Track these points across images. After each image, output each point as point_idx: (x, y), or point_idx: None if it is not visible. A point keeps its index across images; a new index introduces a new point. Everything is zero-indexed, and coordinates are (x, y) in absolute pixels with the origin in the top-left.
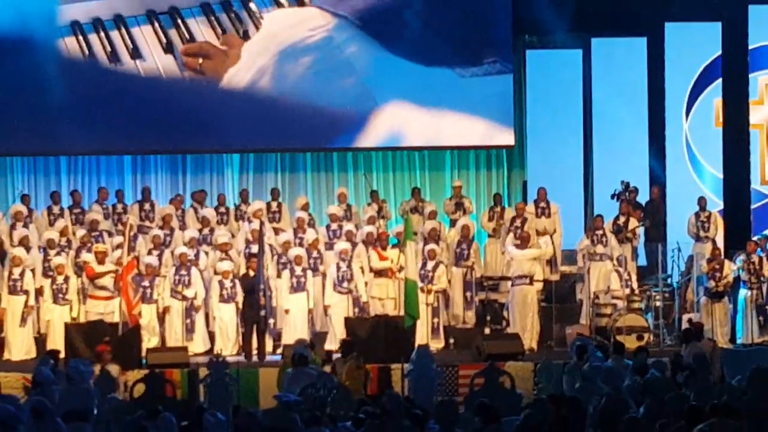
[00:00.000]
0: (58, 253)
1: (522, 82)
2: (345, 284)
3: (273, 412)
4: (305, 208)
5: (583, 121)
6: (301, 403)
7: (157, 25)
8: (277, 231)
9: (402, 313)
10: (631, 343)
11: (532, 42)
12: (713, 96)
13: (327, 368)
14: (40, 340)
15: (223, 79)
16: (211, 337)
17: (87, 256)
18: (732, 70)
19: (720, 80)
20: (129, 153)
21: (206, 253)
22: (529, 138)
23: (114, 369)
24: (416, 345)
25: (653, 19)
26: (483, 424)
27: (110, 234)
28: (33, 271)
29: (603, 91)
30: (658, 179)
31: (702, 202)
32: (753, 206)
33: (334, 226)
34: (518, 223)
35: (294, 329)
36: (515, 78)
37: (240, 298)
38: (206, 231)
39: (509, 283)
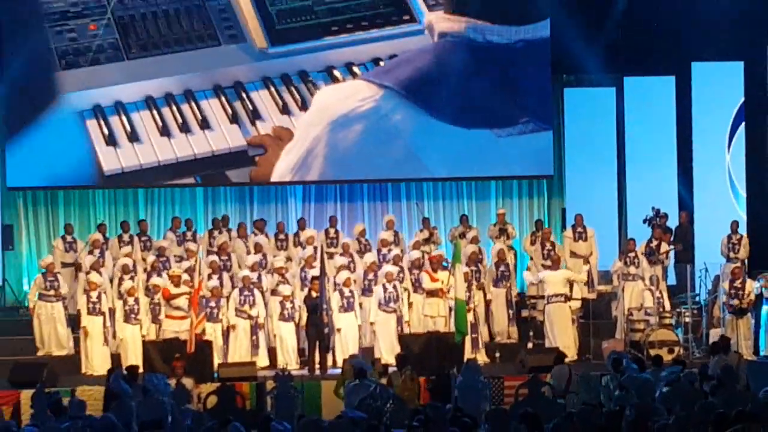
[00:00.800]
0: (130, 278)
1: (561, 117)
2: (391, 304)
3: (337, 424)
4: (362, 234)
5: (617, 153)
6: (364, 419)
7: (223, 98)
8: (332, 256)
9: (452, 329)
10: (662, 355)
11: (569, 81)
12: None
13: (383, 380)
14: (117, 357)
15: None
16: (271, 353)
17: (157, 280)
18: (753, 104)
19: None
20: (201, 185)
21: (266, 277)
22: (568, 168)
23: (188, 382)
24: (465, 359)
25: (681, 59)
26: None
27: (181, 259)
28: (106, 293)
29: (635, 125)
30: (686, 205)
31: (734, 225)
32: None
33: (384, 250)
34: (549, 246)
35: (345, 346)
36: (555, 112)
37: (298, 317)
38: (260, 256)
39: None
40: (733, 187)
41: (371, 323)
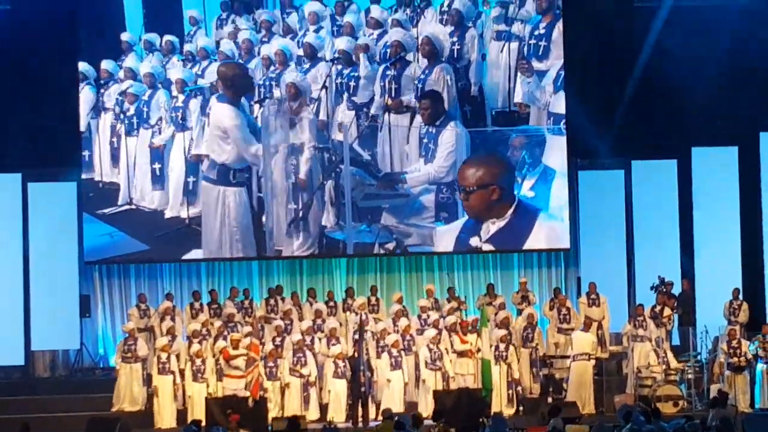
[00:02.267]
0: (199, 341)
1: (576, 196)
2: (437, 362)
3: None
4: (400, 301)
5: (626, 228)
6: None
7: None
8: (376, 320)
9: (480, 386)
10: (668, 408)
11: (583, 164)
12: None
13: None
14: (183, 412)
15: None
16: (322, 407)
17: (221, 343)
18: (747, 184)
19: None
20: (256, 259)
21: (319, 339)
22: (582, 242)
23: None
24: (492, 412)
25: (682, 144)
26: None
27: (241, 324)
28: (177, 356)
29: (642, 203)
30: (687, 274)
31: (735, 292)
32: None
33: (423, 315)
34: (564, 311)
35: (393, 400)
36: (570, 193)
37: (349, 375)
38: (319, 321)
39: (566, 360)
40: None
41: (422, 381)
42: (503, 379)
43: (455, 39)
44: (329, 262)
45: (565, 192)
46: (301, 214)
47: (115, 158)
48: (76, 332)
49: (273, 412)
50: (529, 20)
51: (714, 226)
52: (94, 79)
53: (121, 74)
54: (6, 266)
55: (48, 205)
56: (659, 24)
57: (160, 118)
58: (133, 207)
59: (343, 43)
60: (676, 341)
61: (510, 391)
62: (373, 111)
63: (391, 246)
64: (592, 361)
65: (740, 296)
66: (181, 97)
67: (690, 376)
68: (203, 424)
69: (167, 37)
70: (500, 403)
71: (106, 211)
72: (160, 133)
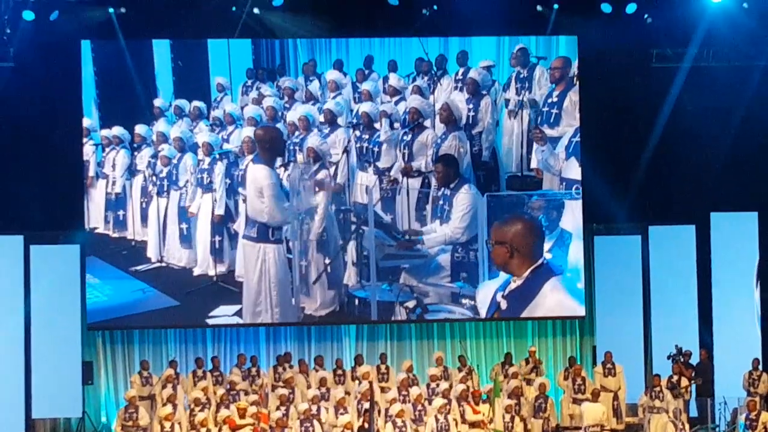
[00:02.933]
0: (201, 410)
1: (591, 262)
2: None
3: None
4: (410, 369)
5: (642, 295)
6: None
7: None
8: (384, 389)
9: None
10: None
11: (599, 229)
12: None
13: None
14: None
15: None
16: None
17: (225, 412)
18: (766, 253)
19: None
20: (263, 325)
21: (326, 409)
22: (598, 309)
23: None
24: None
25: (700, 210)
26: None
27: (246, 393)
28: (180, 424)
29: (659, 270)
30: (705, 344)
31: (755, 362)
32: None
33: (432, 384)
34: (579, 381)
35: None
36: (585, 258)
37: None
38: (323, 389)
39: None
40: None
41: None
42: None
43: (471, 106)
44: (338, 329)
45: (581, 255)
46: (326, 272)
47: (144, 218)
48: (79, 399)
49: None
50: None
51: (733, 293)
52: (129, 143)
53: (153, 137)
54: (7, 330)
55: (50, 268)
56: (677, 85)
57: (188, 181)
58: (164, 264)
59: (367, 107)
60: (693, 413)
61: None
62: (392, 174)
63: (411, 304)
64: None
65: (760, 366)
66: (207, 160)
67: None
68: None
69: (195, 103)
70: None
71: (138, 268)
72: (187, 194)
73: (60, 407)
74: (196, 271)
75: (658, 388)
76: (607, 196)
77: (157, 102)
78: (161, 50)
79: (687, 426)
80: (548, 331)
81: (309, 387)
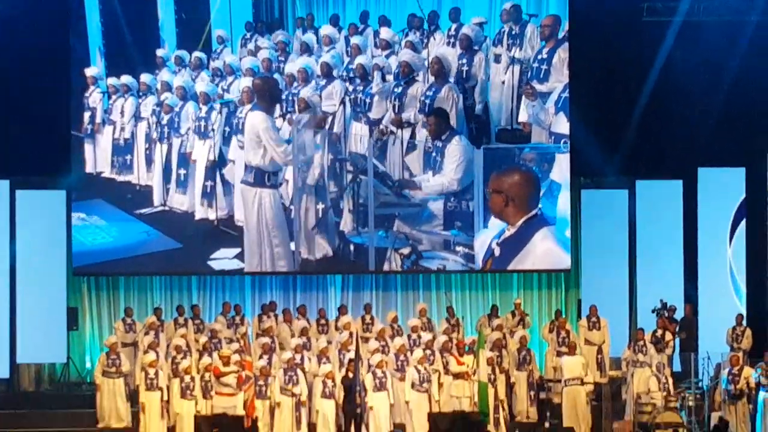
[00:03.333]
0: (183, 357)
1: (578, 215)
2: (424, 384)
3: None
4: (395, 320)
5: (628, 249)
6: None
7: None
8: (368, 340)
9: (476, 409)
10: None
11: (586, 183)
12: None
13: None
14: (171, 429)
15: None
16: (311, 428)
17: (208, 360)
18: (754, 206)
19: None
20: (248, 274)
21: (309, 359)
22: (583, 263)
23: None
24: None
25: (688, 165)
26: None
27: (230, 341)
28: (162, 371)
29: (645, 224)
30: (690, 299)
31: (739, 318)
32: None
33: (414, 336)
34: (564, 334)
35: (377, 423)
36: (572, 211)
37: (339, 395)
38: (304, 339)
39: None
40: (734, 281)
41: (406, 402)
42: (491, 402)
43: (464, 61)
44: (324, 279)
45: (569, 206)
46: (324, 217)
47: (149, 163)
48: (63, 345)
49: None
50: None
51: (719, 249)
52: (136, 91)
53: (158, 86)
54: None
55: (36, 213)
56: (668, 40)
57: (189, 128)
58: (167, 208)
59: (362, 59)
60: (677, 367)
61: (497, 415)
62: (383, 126)
63: (406, 251)
64: (587, 386)
65: (744, 322)
66: (205, 109)
67: (691, 403)
68: None
69: (196, 54)
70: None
71: (143, 211)
72: (188, 140)
73: (44, 353)
74: (198, 215)
75: (641, 342)
76: (595, 150)
77: (160, 52)
78: (166, 3)
79: (670, 380)
80: (534, 284)
81: (292, 336)
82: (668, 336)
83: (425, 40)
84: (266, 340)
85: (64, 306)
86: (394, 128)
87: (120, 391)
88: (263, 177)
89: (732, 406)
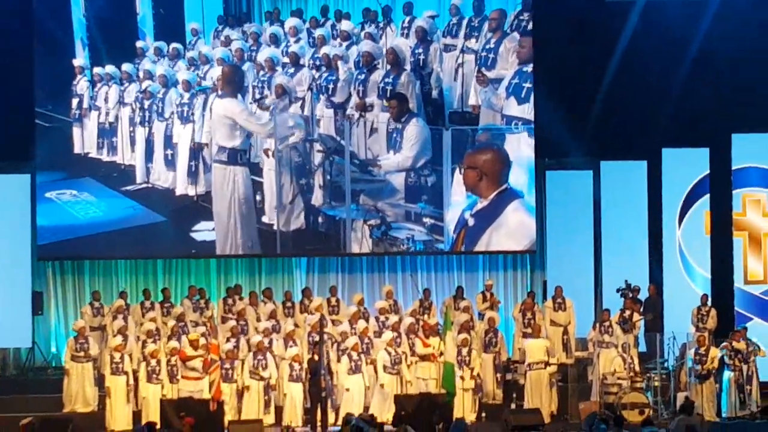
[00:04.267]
0: (153, 341)
1: (543, 197)
2: (395, 366)
3: None
4: (361, 303)
5: (593, 230)
6: None
7: None
8: (335, 322)
9: (442, 390)
10: (634, 417)
11: (551, 164)
12: (703, 208)
13: None
14: (137, 414)
15: None
16: (277, 411)
17: (175, 343)
18: (718, 187)
19: (708, 195)
20: (214, 257)
21: (276, 341)
22: (549, 244)
23: None
24: (454, 418)
25: (652, 146)
26: None
27: (196, 324)
28: (130, 356)
29: (610, 205)
30: (656, 279)
31: (704, 298)
32: (737, 302)
33: (382, 318)
34: (530, 316)
35: (352, 405)
36: (537, 193)
37: (306, 378)
38: (273, 322)
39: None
40: (685, 262)
41: (381, 384)
42: (468, 384)
43: (420, 50)
44: (289, 261)
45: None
46: (299, 194)
47: (132, 144)
48: (28, 330)
49: (229, 416)
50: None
51: (683, 229)
52: (119, 79)
53: (140, 74)
54: None
55: (0, 197)
56: (632, 21)
57: (172, 112)
58: (150, 185)
59: (326, 49)
60: (642, 348)
61: (475, 397)
62: (349, 110)
63: (375, 222)
64: (550, 368)
65: (709, 302)
66: (187, 95)
67: (656, 383)
68: (158, 426)
69: (173, 45)
70: (463, 409)
71: (128, 188)
72: (173, 124)
73: (9, 337)
74: (178, 191)
75: (607, 323)
76: (559, 131)
77: (140, 44)
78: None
79: (636, 360)
80: (500, 265)
81: (258, 319)
82: (635, 317)
83: (380, 32)
84: (234, 323)
85: (29, 291)
86: (357, 113)
87: (88, 375)
88: (236, 155)
89: (699, 386)
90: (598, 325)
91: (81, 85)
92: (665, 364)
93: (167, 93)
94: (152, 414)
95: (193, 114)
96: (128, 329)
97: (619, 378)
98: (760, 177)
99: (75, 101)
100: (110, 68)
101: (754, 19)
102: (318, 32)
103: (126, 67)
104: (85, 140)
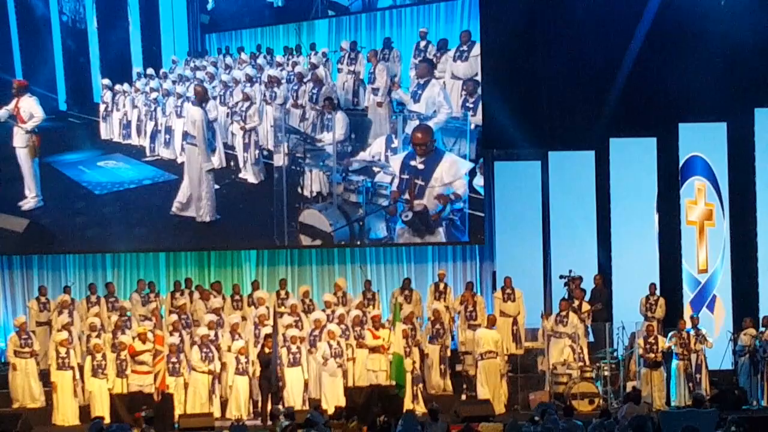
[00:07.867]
0: (97, 335)
1: (491, 188)
2: (338, 359)
3: None
4: (306, 295)
5: (542, 220)
6: None
7: None
8: (282, 315)
9: (392, 382)
10: (584, 406)
11: (499, 155)
12: (652, 197)
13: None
14: (84, 408)
15: None
16: (222, 404)
17: (123, 337)
18: (667, 178)
19: (656, 185)
20: (163, 251)
21: (222, 335)
22: (498, 234)
23: None
24: (404, 409)
25: (599, 136)
26: None
27: (145, 318)
28: (75, 350)
29: (558, 195)
30: (603, 269)
31: (652, 287)
32: (686, 290)
33: (328, 311)
34: (471, 307)
35: (291, 397)
36: (485, 184)
37: (252, 370)
38: (216, 316)
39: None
40: (633, 250)
41: (331, 376)
42: (408, 375)
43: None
44: (239, 255)
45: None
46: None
47: (140, 133)
48: None
49: (176, 409)
50: None
51: (631, 219)
52: (132, 91)
53: (147, 89)
54: None
55: None
56: (578, 11)
57: (170, 112)
58: (158, 157)
59: (270, 71)
60: (591, 337)
61: (415, 388)
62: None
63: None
64: (502, 359)
65: (657, 291)
66: (180, 101)
67: (606, 373)
68: (107, 421)
69: (162, 70)
70: (413, 401)
71: (145, 159)
72: (171, 119)
73: None
74: (178, 161)
75: (564, 313)
76: (507, 122)
77: (138, 69)
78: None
79: (585, 350)
80: (449, 256)
81: (205, 313)
82: (584, 306)
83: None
84: (176, 317)
85: None
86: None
87: (33, 371)
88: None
89: (649, 374)
90: (554, 315)
91: (106, 96)
92: (614, 354)
93: (167, 99)
94: (99, 408)
95: (182, 113)
96: (73, 324)
97: (569, 368)
98: (703, 167)
99: (102, 107)
100: (125, 86)
101: (699, 6)
102: (259, 61)
103: (138, 84)
104: (109, 130)
